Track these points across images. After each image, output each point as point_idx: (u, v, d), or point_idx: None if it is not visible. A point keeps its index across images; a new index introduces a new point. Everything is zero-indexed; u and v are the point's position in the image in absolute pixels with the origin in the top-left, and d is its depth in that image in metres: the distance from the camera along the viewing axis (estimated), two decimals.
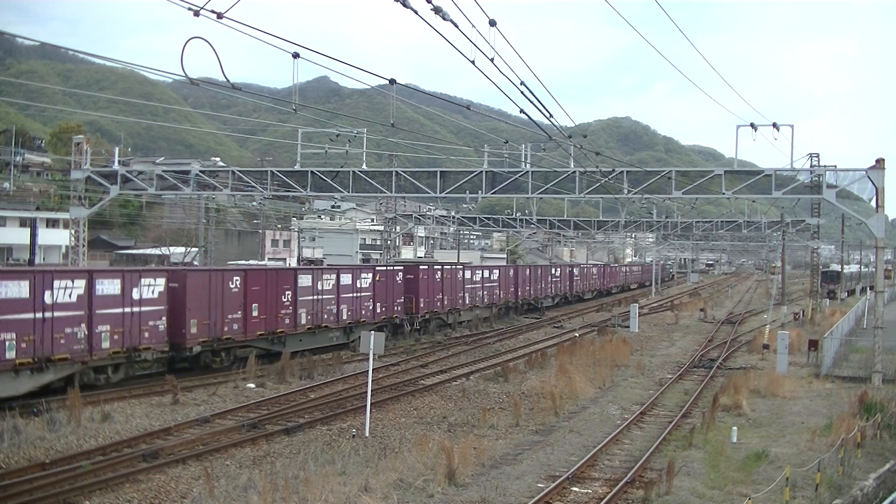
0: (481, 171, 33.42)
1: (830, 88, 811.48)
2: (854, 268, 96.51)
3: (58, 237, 65.46)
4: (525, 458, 18.71)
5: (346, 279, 36.53)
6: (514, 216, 63.45)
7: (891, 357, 31.58)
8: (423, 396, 26.90)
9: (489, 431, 21.45)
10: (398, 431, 21.47)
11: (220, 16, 11.25)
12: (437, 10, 11.47)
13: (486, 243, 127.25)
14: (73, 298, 23.68)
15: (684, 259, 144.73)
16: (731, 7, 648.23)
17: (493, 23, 13.51)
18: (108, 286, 24.90)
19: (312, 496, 14.51)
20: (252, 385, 27.22)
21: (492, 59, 13.74)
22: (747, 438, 21.10)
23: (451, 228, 78.25)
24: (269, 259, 75.54)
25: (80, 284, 23.96)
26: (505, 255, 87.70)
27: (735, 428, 21.31)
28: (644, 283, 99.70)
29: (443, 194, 33.75)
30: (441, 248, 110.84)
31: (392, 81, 16.59)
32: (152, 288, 26.47)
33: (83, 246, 37.02)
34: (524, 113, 17.37)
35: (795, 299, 74.63)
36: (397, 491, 15.37)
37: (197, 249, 62.10)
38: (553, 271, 67.50)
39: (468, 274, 48.70)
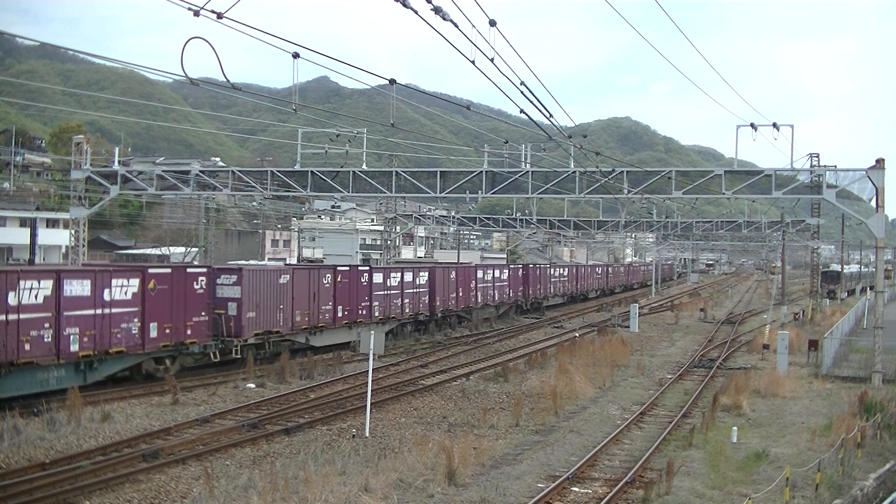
0: (481, 171, 33.40)
1: (830, 88, 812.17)
2: (854, 268, 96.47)
3: (58, 237, 65.42)
4: (525, 458, 18.70)
5: (497, 273, 53.56)
6: (514, 216, 63.45)
7: (891, 357, 31.56)
8: (423, 396, 26.89)
9: (489, 431, 21.45)
10: (398, 431, 21.46)
11: (220, 16, 11.24)
12: (437, 10, 11.46)
13: (486, 243, 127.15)
14: (395, 283, 40.59)
15: (684, 259, 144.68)
16: (732, 7, 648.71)
17: (493, 23, 13.49)
18: (408, 276, 41.90)
19: (312, 496, 14.50)
20: (252, 385, 27.21)
21: (492, 59, 13.73)
22: (747, 438, 21.09)
23: (451, 228, 78.22)
24: (269, 259, 75.49)
25: (398, 276, 41.00)
26: (505, 256, 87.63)
27: (735, 428, 21.30)
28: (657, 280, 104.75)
29: (443, 194, 33.74)
30: (441, 248, 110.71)
31: (392, 81, 16.57)
32: (423, 277, 43.33)
33: (83, 246, 37.00)
34: (524, 113, 17.35)
35: (795, 299, 74.61)
36: (397, 491, 15.36)
37: (197, 249, 62.08)
38: (597, 270, 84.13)
39: (552, 271, 67.27)
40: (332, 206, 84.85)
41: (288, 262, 73.62)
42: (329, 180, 34.12)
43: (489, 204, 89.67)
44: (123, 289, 25.41)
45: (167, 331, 26.80)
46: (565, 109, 21.35)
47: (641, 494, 15.75)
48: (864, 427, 20.42)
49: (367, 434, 20.71)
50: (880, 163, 30.38)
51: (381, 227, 63.75)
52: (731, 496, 15.96)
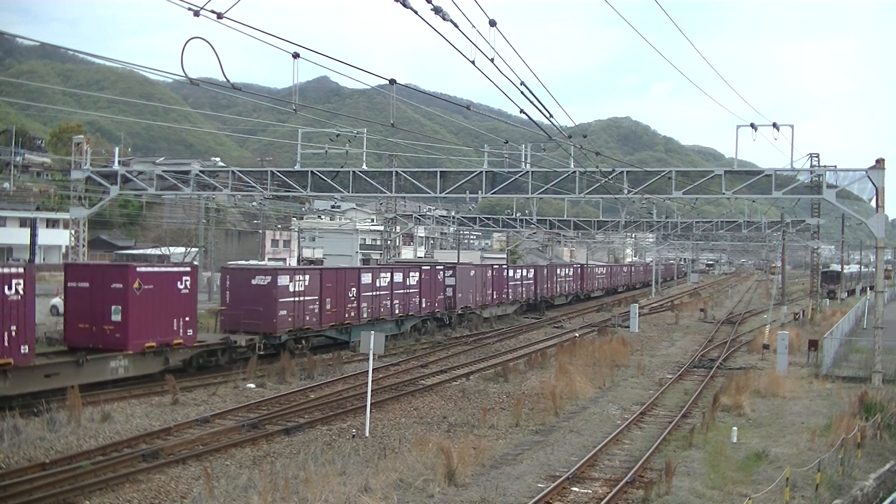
0: (481, 171, 33.39)
1: (830, 88, 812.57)
2: (854, 268, 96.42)
3: (58, 237, 65.47)
4: (525, 458, 18.70)
5: (567, 271, 72.38)
6: (514, 216, 63.46)
7: (891, 357, 31.53)
8: (423, 396, 26.89)
9: (489, 431, 21.44)
10: (398, 431, 21.46)
11: (220, 16, 11.24)
12: (437, 11, 11.45)
13: (486, 243, 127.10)
14: (518, 277, 58.04)
15: (684, 259, 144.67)
16: (732, 7, 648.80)
17: (493, 23, 13.48)
18: (523, 272, 60.09)
19: (312, 496, 14.50)
20: (252, 385, 27.21)
21: (492, 59, 13.72)
22: (747, 438, 21.08)
23: (451, 228, 78.23)
24: (269, 259, 75.43)
25: (520, 273, 59.01)
26: (505, 256, 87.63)
27: (735, 428, 21.29)
28: (667, 278, 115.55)
29: (443, 194, 33.73)
30: (441, 248, 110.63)
31: (392, 81, 16.56)
32: (531, 272, 61.17)
33: (83, 246, 37.01)
34: (524, 113, 17.34)
35: (795, 299, 74.59)
36: (397, 491, 15.36)
37: (197, 249, 62.04)
38: (624, 269, 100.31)
39: (597, 270, 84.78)
40: (332, 206, 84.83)
41: (288, 263, 73.70)
42: (329, 180, 34.10)
43: (489, 204, 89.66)
44: (414, 278, 42.02)
45: (427, 304, 43.48)
46: (565, 109, 21.36)
47: (641, 494, 15.74)
48: (864, 427, 20.40)
49: (367, 434, 20.71)
50: (880, 163, 30.36)
51: (381, 227, 63.77)
52: (731, 496, 15.96)
